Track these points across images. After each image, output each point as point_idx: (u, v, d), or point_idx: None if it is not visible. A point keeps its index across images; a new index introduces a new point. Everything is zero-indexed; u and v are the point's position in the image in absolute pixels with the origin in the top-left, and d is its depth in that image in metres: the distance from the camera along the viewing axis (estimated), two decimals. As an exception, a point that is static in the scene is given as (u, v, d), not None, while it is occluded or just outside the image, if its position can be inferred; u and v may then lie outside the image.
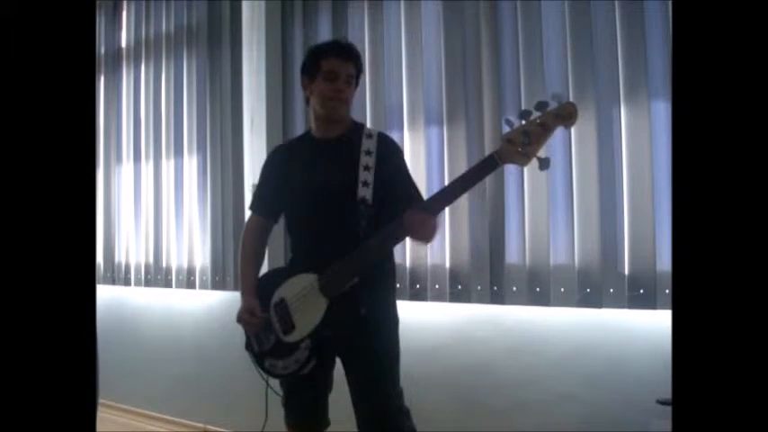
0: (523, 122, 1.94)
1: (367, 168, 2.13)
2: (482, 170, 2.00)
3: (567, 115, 1.91)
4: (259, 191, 2.37)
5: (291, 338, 2.11)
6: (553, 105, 1.92)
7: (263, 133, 3.39)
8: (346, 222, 2.08)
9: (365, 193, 2.10)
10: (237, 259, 3.50)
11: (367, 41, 3.12)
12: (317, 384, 2.20)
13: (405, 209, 2.00)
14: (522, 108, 2.64)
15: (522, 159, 1.95)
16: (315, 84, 2.18)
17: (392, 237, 2.05)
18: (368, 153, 2.15)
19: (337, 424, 2.26)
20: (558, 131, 2.51)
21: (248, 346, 2.23)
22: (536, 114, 1.93)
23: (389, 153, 2.20)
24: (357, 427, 2.13)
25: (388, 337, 2.15)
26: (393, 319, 2.18)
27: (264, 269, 2.39)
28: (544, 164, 1.95)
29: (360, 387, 2.13)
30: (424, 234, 2.04)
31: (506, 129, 1.97)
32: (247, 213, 3.37)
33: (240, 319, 2.20)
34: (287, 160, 2.29)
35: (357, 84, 2.23)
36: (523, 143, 1.93)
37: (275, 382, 2.23)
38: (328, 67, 2.15)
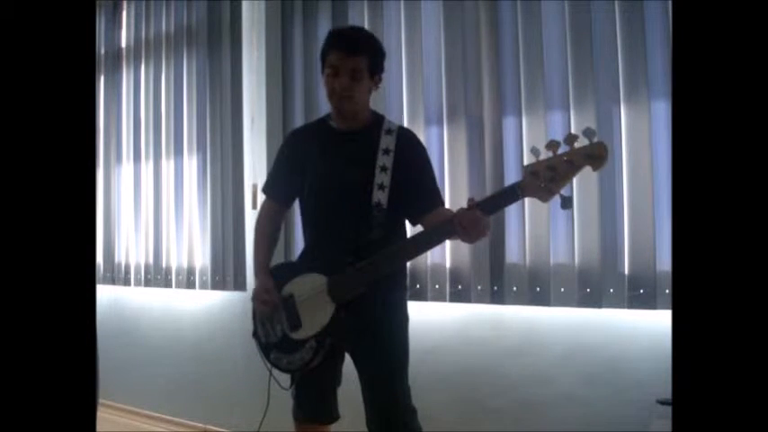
0: (551, 155, 1.85)
1: (384, 170, 2.07)
2: (503, 201, 1.95)
3: (597, 156, 1.81)
4: (273, 174, 2.33)
5: (297, 336, 2.10)
6: (583, 142, 1.82)
7: (263, 133, 3.39)
8: (359, 228, 2.05)
9: (380, 197, 2.05)
10: (238, 259, 3.54)
11: (367, 41, 3.11)
12: (325, 379, 2.20)
13: (423, 214, 2.00)
14: (524, 108, 2.66)
15: (545, 195, 1.88)
16: (324, 75, 2.12)
17: (435, 238, 1.99)
18: (386, 152, 2.09)
19: (349, 419, 2.26)
20: (557, 131, 2.53)
21: (255, 335, 2.23)
22: (564, 149, 1.84)
23: (409, 152, 2.13)
24: (366, 424, 2.14)
25: (397, 336, 2.14)
26: (402, 319, 2.17)
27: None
28: (567, 203, 1.87)
29: (368, 385, 2.13)
30: (476, 234, 1.94)
31: (530, 157, 1.88)
32: (248, 213, 3.42)
33: (255, 297, 2.19)
34: (302, 147, 2.23)
35: (374, 76, 2.12)
36: (547, 178, 1.84)
37: (279, 376, 2.23)
38: (330, 62, 2.08)
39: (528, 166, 1.89)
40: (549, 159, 1.85)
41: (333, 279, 2.05)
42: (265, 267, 2.23)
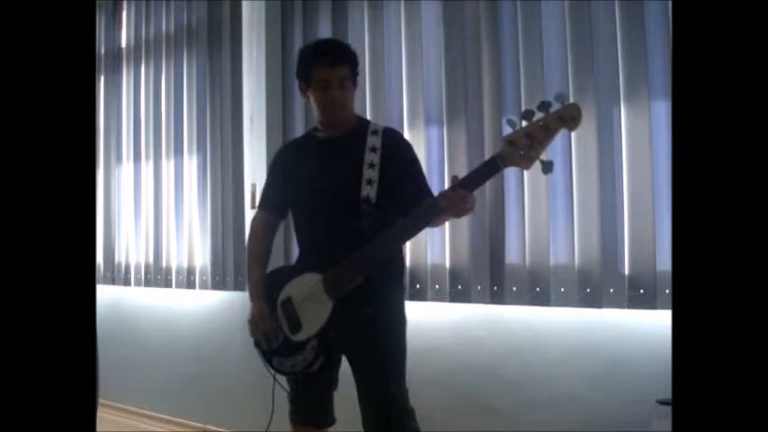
0: (526, 124, 1.90)
1: (371, 166, 2.10)
2: (485, 174, 1.99)
3: (570, 118, 1.88)
4: (266, 189, 2.37)
5: (298, 338, 2.10)
6: (556, 106, 1.88)
7: (263, 133, 3.39)
8: (349, 222, 2.06)
9: (368, 191, 2.08)
10: (238, 259, 3.54)
11: (367, 41, 3.12)
12: (323, 382, 2.20)
13: (412, 207, 2.00)
14: (524, 108, 2.65)
15: (525, 163, 1.92)
16: (310, 90, 2.15)
17: (424, 220, 2.00)
18: (373, 150, 2.12)
19: (344, 422, 2.26)
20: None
21: (257, 343, 2.23)
22: (539, 115, 1.89)
23: (396, 149, 2.17)
24: (362, 426, 2.14)
25: (394, 336, 2.15)
26: (400, 319, 2.18)
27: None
28: (547, 167, 1.91)
29: (365, 386, 2.13)
30: (462, 211, 2.00)
31: (508, 129, 1.94)
32: (248, 213, 3.42)
33: (251, 323, 2.20)
34: (292, 159, 2.29)
35: (355, 82, 2.18)
36: (526, 146, 1.89)
37: (282, 379, 2.23)
38: (319, 76, 2.11)
39: (506, 136, 1.95)
40: (525, 127, 1.91)
41: (328, 275, 2.06)
42: (260, 291, 2.23)
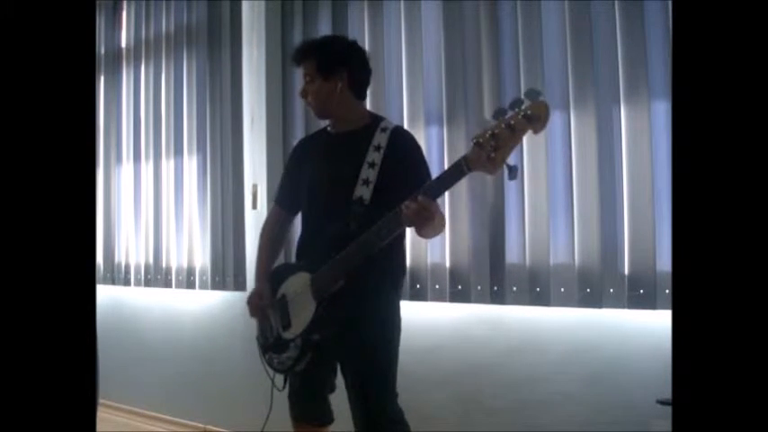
0: (495, 123, 1.75)
1: (372, 165, 2.07)
2: (448, 179, 1.89)
3: (535, 117, 1.69)
4: (280, 182, 2.42)
5: (287, 336, 2.12)
6: (526, 104, 1.71)
7: (263, 133, 3.39)
8: (339, 222, 2.05)
9: (363, 192, 2.05)
10: (238, 259, 3.54)
11: (367, 41, 3.11)
12: (316, 383, 2.21)
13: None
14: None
15: (491, 167, 1.77)
16: None
17: (384, 230, 1.92)
18: (377, 149, 2.09)
19: (346, 421, 2.26)
20: (557, 131, 2.52)
21: (257, 338, 2.26)
22: (510, 114, 1.74)
23: (401, 149, 2.12)
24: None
25: (381, 339, 2.11)
26: (389, 322, 2.14)
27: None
28: (512, 173, 1.76)
29: (350, 387, 2.12)
30: (420, 223, 1.90)
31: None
32: (248, 213, 3.42)
33: (248, 301, 2.24)
34: (302, 154, 2.32)
35: (330, 76, 2.12)
36: (492, 148, 1.73)
37: (277, 378, 2.24)
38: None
39: (473, 137, 1.80)
40: (491, 127, 1.75)
41: (315, 276, 2.07)
42: (264, 274, 2.27)
